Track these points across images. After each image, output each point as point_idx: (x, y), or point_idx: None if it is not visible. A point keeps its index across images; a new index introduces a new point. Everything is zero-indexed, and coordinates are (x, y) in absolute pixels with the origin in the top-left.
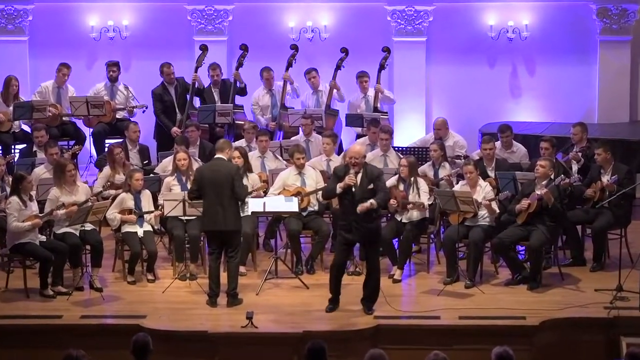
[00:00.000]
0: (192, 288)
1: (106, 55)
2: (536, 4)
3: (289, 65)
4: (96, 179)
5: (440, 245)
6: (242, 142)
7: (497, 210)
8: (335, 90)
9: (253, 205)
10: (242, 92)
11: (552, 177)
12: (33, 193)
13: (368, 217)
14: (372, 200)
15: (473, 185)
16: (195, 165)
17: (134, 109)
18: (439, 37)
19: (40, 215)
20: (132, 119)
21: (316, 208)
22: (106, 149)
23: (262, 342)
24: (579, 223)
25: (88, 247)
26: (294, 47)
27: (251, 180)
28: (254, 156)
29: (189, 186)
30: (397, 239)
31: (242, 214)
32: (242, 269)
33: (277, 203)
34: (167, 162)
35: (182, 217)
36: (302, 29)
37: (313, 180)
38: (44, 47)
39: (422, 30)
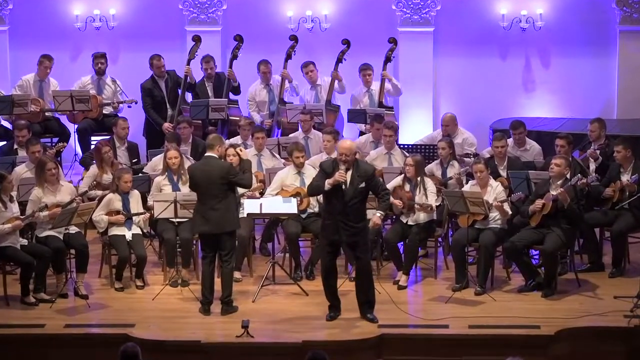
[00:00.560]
0: (184, 295)
1: (92, 47)
2: None
3: (288, 57)
4: (81, 179)
5: (448, 250)
6: (237, 139)
7: (510, 212)
8: (336, 81)
9: (249, 206)
10: (235, 90)
11: (568, 176)
12: (14, 194)
13: (357, 216)
14: (379, 212)
15: (483, 186)
16: (187, 163)
17: (122, 104)
18: (448, 28)
19: (22, 217)
20: (120, 115)
21: (316, 210)
22: (92, 147)
23: (258, 352)
24: (597, 225)
25: (72, 251)
26: (293, 38)
27: None
28: (249, 154)
29: (180, 186)
30: (402, 243)
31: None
32: (237, 274)
33: (275, 204)
34: (158, 161)
35: (174, 220)
36: (301, 19)
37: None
38: (25, 38)
39: (429, 20)
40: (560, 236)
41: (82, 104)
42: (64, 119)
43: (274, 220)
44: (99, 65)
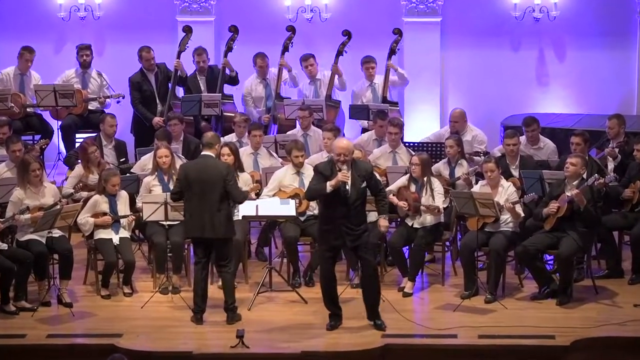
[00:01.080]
0: (175, 303)
1: (76, 38)
2: None
3: (285, 49)
4: (65, 179)
5: (456, 254)
6: (232, 137)
7: (522, 215)
8: (336, 77)
9: (244, 208)
10: (233, 81)
11: (585, 176)
12: None
13: (359, 218)
14: (382, 217)
15: (494, 186)
16: (179, 163)
17: (109, 99)
18: (456, 17)
19: (1, 220)
20: (107, 111)
21: (316, 212)
22: (77, 145)
23: None
24: (616, 229)
25: (56, 256)
26: (291, 29)
27: (242, 181)
28: (245, 153)
29: (171, 187)
30: (407, 247)
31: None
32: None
33: (272, 206)
34: (147, 160)
35: (164, 222)
36: (300, 8)
37: None
38: (5, 28)
39: (436, 10)
40: (576, 240)
41: (66, 99)
42: (46, 115)
43: (271, 223)
44: (84, 57)
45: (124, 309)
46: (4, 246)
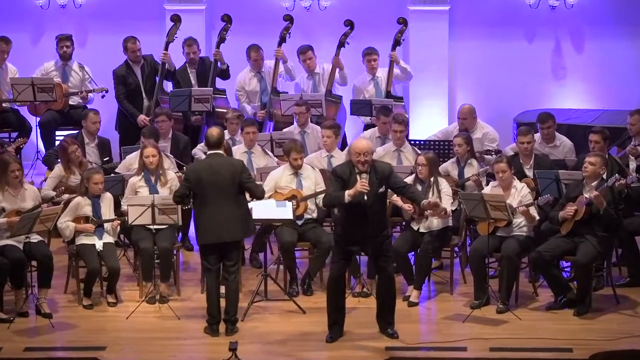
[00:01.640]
0: (163, 313)
1: (56, 28)
2: None
3: (282, 40)
4: (44, 180)
5: (466, 261)
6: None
7: (537, 218)
8: (337, 70)
9: None
10: (224, 74)
11: (605, 176)
12: None
13: (379, 225)
14: (426, 201)
15: (506, 188)
16: (167, 162)
17: (92, 94)
18: (465, 6)
19: None
20: (89, 106)
21: (315, 215)
22: (57, 143)
23: None
24: (638, 233)
25: (34, 263)
26: (288, 19)
27: None
28: (238, 151)
29: (159, 188)
30: (413, 253)
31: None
32: (221, 288)
33: (267, 209)
34: (132, 159)
35: (151, 227)
36: None
37: (311, 181)
38: None
39: None
40: (595, 245)
41: (44, 93)
42: (24, 111)
43: (267, 227)
44: (65, 49)
45: (107, 320)
46: None
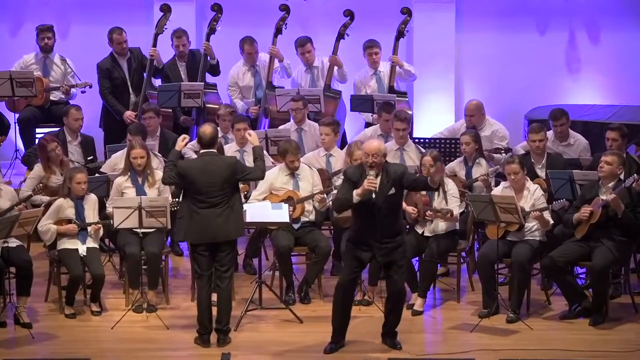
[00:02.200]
0: (150, 323)
1: (36, 18)
2: None
3: (277, 32)
4: (24, 180)
5: (474, 267)
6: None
7: (551, 222)
8: (335, 68)
9: None
10: (214, 70)
11: (622, 177)
12: None
13: (391, 229)
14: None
15: (519, 190)
16: (155, 161)
17: (74, 89)
18: None
19: None
20: (71, 102)
21: (312, 218)
22: (37, 142)
23: None
24: None
25: (13, 269)
26: (284, 8)
27: None
28: (230, 150)
29: (146, 189)
30: (417, 258)
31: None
32: (213, 296)
33: (262, 211)
34: (118, 158)
35: (138, 230)
36: None
37: (308, 182)
38: None
39: None
40: (612, 250)
41: (24, 88)
42: (1, 107)
43: (261, 231)
44: (46, 40)
45: (91, 330)
46: None
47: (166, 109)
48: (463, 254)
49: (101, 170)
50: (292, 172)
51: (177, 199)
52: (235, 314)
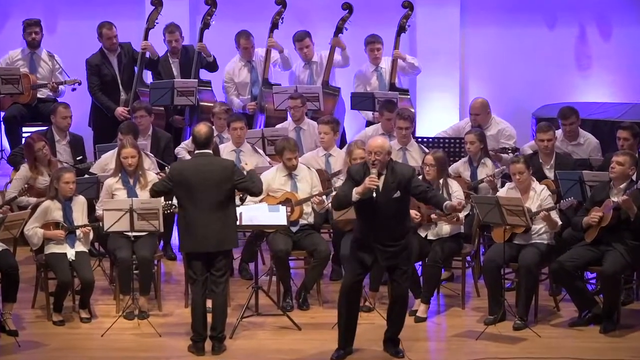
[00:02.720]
0: (142, 330)
1: (23, 12)
2: None
3: (274, 26)
4: (9, 181)
5: (479, 271)
6: None
7: (559, 223)
8: (337, 50)
9: None
10: (211, 67)
11: (634, 178)
12: None
13: (395, 232)
14: (450, 203)
15: (524, 190)
16: (147, 162)
17: (62, 86)
18: None
19: None
20: (59, 100)
21: (311, 220)
22: (24, 141)
23: None
24: None
25: None
26: (280, 2)
27: None
28: (226, 150)
29: (138, 191)
30: (420, 263)
31: None
32: (207, 302)
33: (259, 214)
34: (108, 159)
35: (129, 234)
36: None
37: (307, 183)
38: None
39: None
40: (624, 255)
41: (10, 85)
42: None
43: (258, 234)
44: (33, 35)
45: (80, 338)
46: None
47: (158, 107)
48: (468, 258)
49: (91, 170)
50: (290, 172)
51: (170, 202)
52: (230, 321)
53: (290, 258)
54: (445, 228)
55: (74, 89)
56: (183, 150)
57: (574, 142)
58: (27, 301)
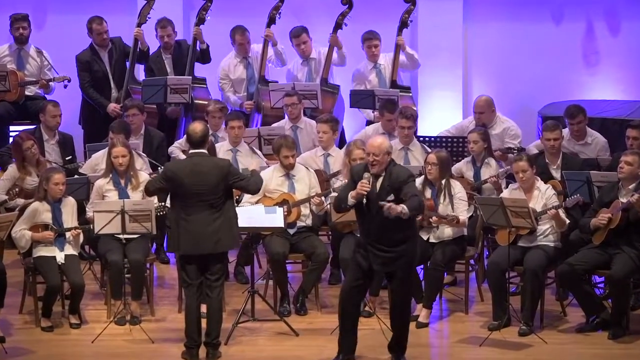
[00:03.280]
0: (134, 336)
1: (10, 7)
2: None
3: (271, 21)
4: None
5: (483, 275)
6: None
7: (567, 221)
8: (335, 50)
9: None
10: (204, 56)
11: None
12: None
13: (392, 237)
14: (403, 206)
15: (528, 190)
16: (139, 162)
17: (51, 83)
18: None
19: None
20: (48, 97)
21: (309, 222)
22: (11, 140)
23: None
24: None
25: None
26: None
27: None
28: (222, 149)
29: (129, 192)
30: (422, 266)
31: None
32: (202, 307)
33: (255, 216)
34: (99, 159)
35: (121, 236)
36: None
37: (305, 183)
38: None
39: None
40: (634, 258)
41: None
42: None
43: (254, 237)
44: (20, 31)
45: (70, 344)
46: None
47: (151, 105)
48: (471, 261)
49: (81, 171)
50: (288, 172)
51: (163, 203)
52: (225, 326)
53: (287, 261)
54: (447, 231)
55: (65, 86)
56: (177, 149)
57: (581, 142)
58: (15, 306)
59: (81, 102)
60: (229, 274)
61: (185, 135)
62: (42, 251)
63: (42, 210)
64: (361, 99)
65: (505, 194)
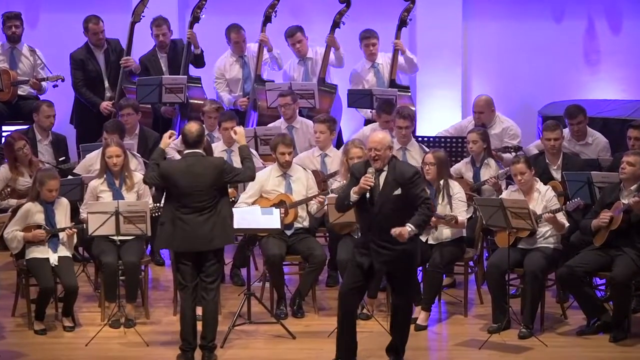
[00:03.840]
0: (129, 339)
1: (2, 5)
2: None
3: (267, 20)
4: None
5: (483, 277)
6: None
7: (566, 225)
8: (332, 50)
9: None
10: (198, 61)
11: None
12: None
13: (390, 236)
14: (409, 225)
15: (528, 192)
16: (133, 162)
17: (45, 82)
18: None
19: None
20: (41, 97)
21: (306, 224)
22: (3, 140)
23: None
24: None
25: None
26: None
27: None
28: (217, 150)
29: (124, 193)
30: (421, 268)
31: None
32: (197, 310)
33: (251, 217)
34: (93, 159)
35: (115, 238)
36: None
37: (302, 184)
38: None
39: None
40: (635, 260)
41: None
42: None
43: (250, 238)
44: (13, 29)
45: (63, 348)
46: None
47: (145, 105)
48: (471, 263)
49: (74, 171)
50: (285, 172)
51: (158, 204)
52: (221, 329)
53: (284, 263)
54: (445, 232)
55: (56, 86)
56: (172, 149)
57: (582, 142)
58: (7, 309)
59: (74, 101)
60: (225, 276)
61: (180, 136)
62: (35, 253)
63: (34, 211)
64: (359, 98)
65: (504, 195)
